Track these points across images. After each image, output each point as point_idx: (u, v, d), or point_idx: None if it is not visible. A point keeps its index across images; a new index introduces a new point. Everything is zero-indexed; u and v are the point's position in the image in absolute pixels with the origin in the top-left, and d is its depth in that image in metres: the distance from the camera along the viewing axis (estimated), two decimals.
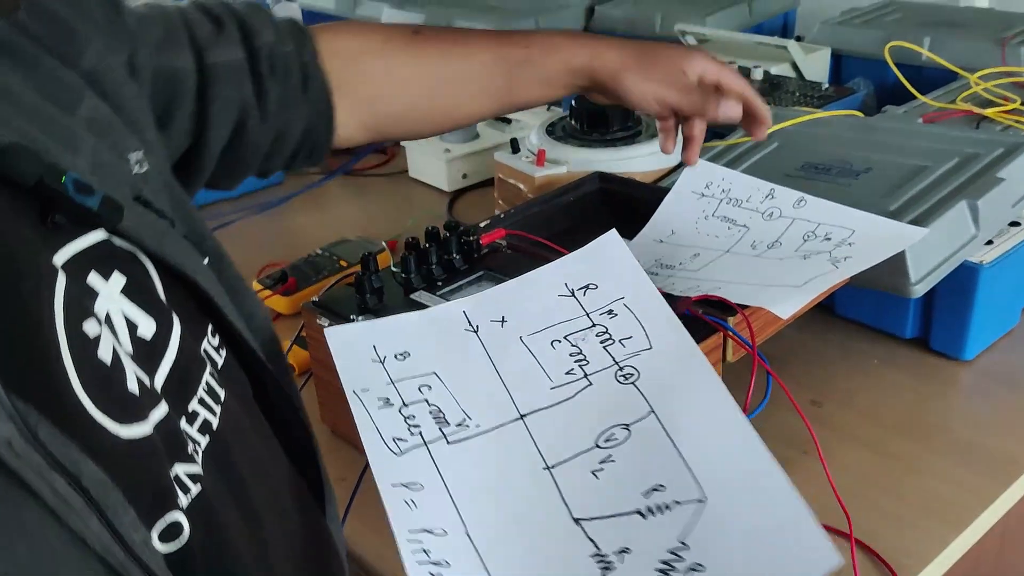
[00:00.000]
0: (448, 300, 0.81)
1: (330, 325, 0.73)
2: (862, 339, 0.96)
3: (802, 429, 0.74)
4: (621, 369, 0.63)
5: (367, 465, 0.57)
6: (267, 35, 0.68)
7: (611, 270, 0.68)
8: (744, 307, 0.75)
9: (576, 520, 0.55)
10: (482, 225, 0.94)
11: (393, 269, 0.85)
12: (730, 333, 0.74)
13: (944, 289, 0.88)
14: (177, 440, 0.44)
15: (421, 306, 0.80)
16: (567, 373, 0.63)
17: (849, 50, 1.56)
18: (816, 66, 1.53)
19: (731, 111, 0.79)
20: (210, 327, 0.52)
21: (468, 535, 0.54)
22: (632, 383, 0.62)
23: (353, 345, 0.65)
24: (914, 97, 1.31)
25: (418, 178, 1.45)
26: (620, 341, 0.64)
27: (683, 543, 0.51)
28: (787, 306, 0.75)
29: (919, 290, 0.84)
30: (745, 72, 1.45)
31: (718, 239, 0.90)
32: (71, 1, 0.54)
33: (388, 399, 0.62)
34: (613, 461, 0.57)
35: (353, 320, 0.77)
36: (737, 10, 1.76)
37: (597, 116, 1.14)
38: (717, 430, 0.57)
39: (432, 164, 1.40)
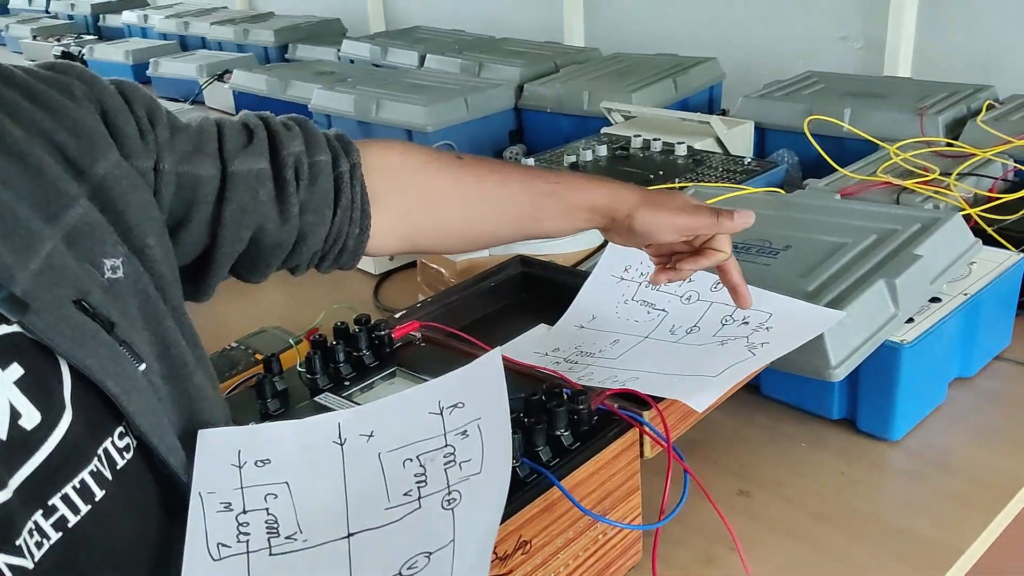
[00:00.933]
0: (354, 401, 0.77)
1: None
2: (789, 421, 0.94)
3: (730, 522, 0.71)
4: (449, 492, 0.62)
5: None
6: (295, 146, 0.71)
7: (481, 390, 0.67)
8: (659, 400, 0.72)
9: None
10: (398, 316, 0.91)
11: (299, 369, 0.82)
12: (645, 428, 0.71)
13: (868, 370, 0.87)
14: (5, 529, 0.47)
15: (326, 409, 0.76)
16: (405, 494, 0.63)
17: (772, 123, 1.58)
18: (739, 140, 1.54)
19: (747, 218, 0.77)
20: (120, 429, 0.56)
21: None
22: (451, 509, 0.61)
23: (220, 448, 0.64)
24: (832, 170, 1.32)
25: None
26: (460, 463, 0.63)
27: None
28: (702, 398, 0.73)
29: (839, 373, 0.82)
30: (669, 149, 1.46)
31: (638, 324, 0.89)
32: (114, 110, 0.62)
33: (230, 504, 0.61)
34: None
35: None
36: (662, 86, 1.77)
37: None
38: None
39: None
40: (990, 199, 1.20)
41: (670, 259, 0.80)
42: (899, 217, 0.98)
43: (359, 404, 0.77)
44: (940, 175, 1.25)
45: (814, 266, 0.93)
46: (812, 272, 0.92)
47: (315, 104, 1.90)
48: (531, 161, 1.43)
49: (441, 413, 0.66)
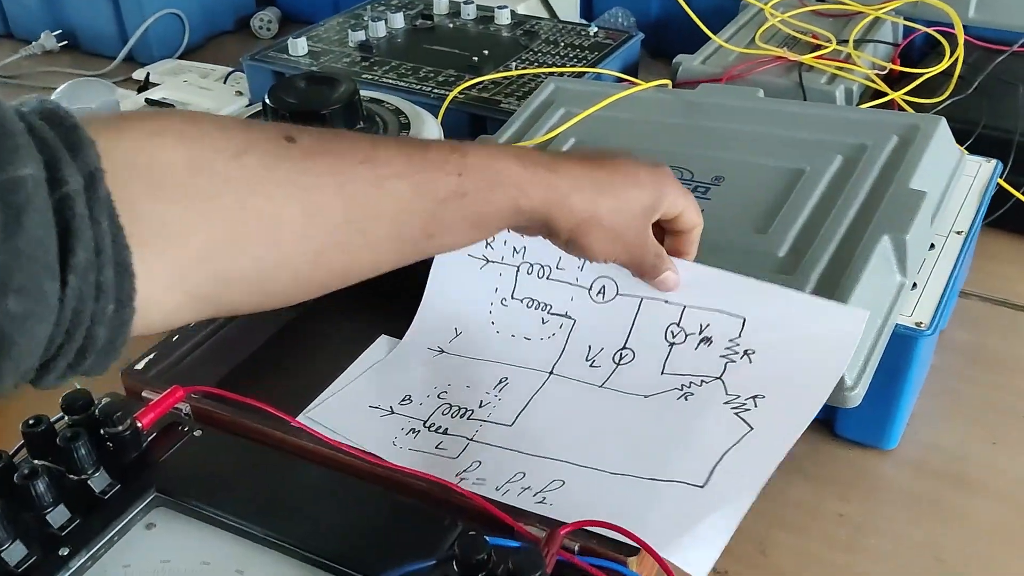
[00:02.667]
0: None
1: None
2: None
3: None
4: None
5: None
6: None
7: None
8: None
9: None
10: (139, 367, 0.54)
11: None
12: None
13: None
14: None
15: None
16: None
17: None
18: None
19: (670, 283, 0.53)
20: None
21: None
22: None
23: None
24: (694, 36, 1.02)
25: None
26: None
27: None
28: (700, 553, 0.43)
29: (858, 396, 0.55)
30: (487, 15, 1.10)
31: (530, 346, 0.57)
32: None
33: None
34: None
35: None
36: None
37: (307, 121, 0.74)
38: None
39: None
40: (905, 76, 0.95)
41: None
42: (864, 125, 0.70)
43: None
44: (839, 44, 0.99)
45: (771, 212, 0.64)
46: (772, 223, 0.63)
47: None
48: (302, 44, 1.03)
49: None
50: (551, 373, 0.56)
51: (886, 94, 0.91)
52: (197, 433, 0.49)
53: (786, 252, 0.61)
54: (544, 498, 0.47)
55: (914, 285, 0.62)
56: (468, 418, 0.54)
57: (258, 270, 0.39)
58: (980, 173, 0.75)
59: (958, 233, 0.68)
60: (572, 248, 0.48)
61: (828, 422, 0.66)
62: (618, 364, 0.54)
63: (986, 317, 0.78)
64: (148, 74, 1.17)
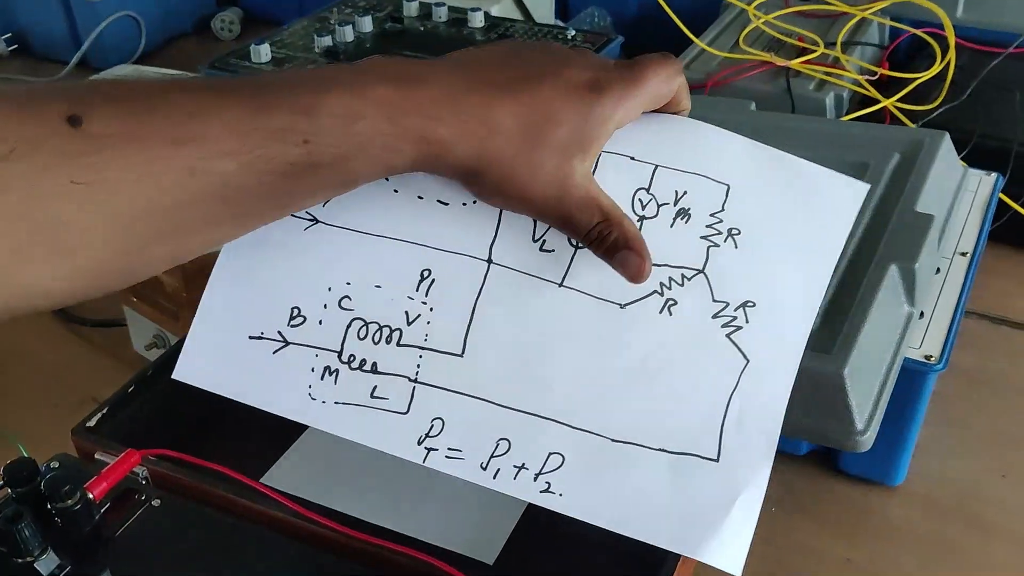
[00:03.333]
0: None
1: None
2: None
3: None
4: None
5: None
6: None
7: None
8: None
9: None
10: (91, 424, 0.49)
11: None
12: None
13: None
14: None
15: None
16: None
17: None
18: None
19: (632, 269, 0.40)
20: None
21: None
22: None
23: None
24: (673, 37, 0.98)
25: None
26: None
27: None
28: (734, 549, 0.40)
29: (869, 440, 0.52)
30: (460, 17, 1.05)
31: (449, 213, 0.42)
32: None
33: None
34: None
35: None
36: None
37: None
38: None
39: None
40: (894, 81, 0.92)
41: None
42: (865, 142, 0.66)
43: None
44: (826, 47, 0.95)
45: None
46: None
47: None
48: (264, 51, 0.98)
49: None
50: (489, 261, 0.42)
51: (876, 100, 0.88)
52: (155, 503, 0.44)
53: None
54: (548, 484, 0.39)
55: (921, 314, 0.59)
56: (398, 343, 0.41)
57: (58, 278, 0.33)
58: (980, 188, 0.72)
59: (963, 255, 0.65)
60: (475, 195, 0.41)
61: (830, 457, 0.63)
62: (576, 246, 0.42)
63: (986, 337, 0.75)
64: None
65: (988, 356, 0.73)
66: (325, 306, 0.42)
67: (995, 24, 1.00)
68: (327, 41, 1.00)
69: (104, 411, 0.50)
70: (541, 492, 0.40)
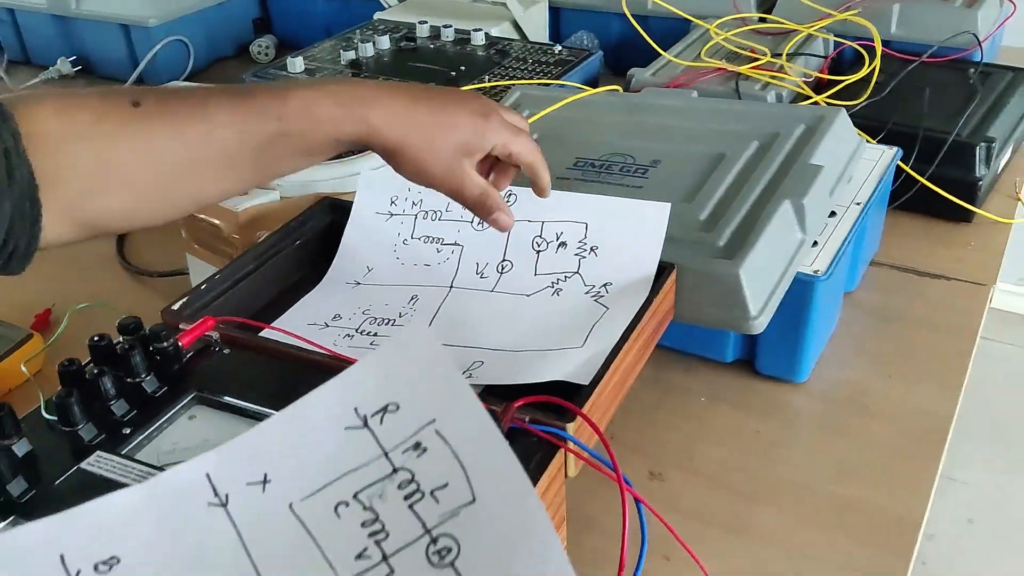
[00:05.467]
0: (138, 461, 0.52)
1: None
2: (677, 369, 0.79)
3: (661, 528, 0.56)
4: (435, 542, 0.44)
5: None
6: None
7: (417, 380, 0.48)
8: (577, 398, 0.54)
9: None
10: (176, 307, 0.66)
11: (46, 416, 0.55)
12: (577, 448, 0.53)
13: None
14: None
15: (107, 482, 0.51)
16: (358, 557, 0.44)
17: (567, 1, 1.39)
18: (535, 21, 1.34)
19: (501, 223, 0.64)
20: None
21: None
22: (450, 563, 0.43)
23: (26, 560, 0.43)
24: (648, 54, 1.16)
25: None
26: (431, 493, 0.45)
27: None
28: (585, 371, 0.59)
29: (761, 324, 0.68)
30: (464, 37, 1.23)
31: (430, 270, 0.72)
32: None
33: None
34: None
35: None
36: None
37: None
38: None
39: None
40: (832, 82, 1.09)
41: None
42: (776, 117, 0.83)
43: (154, 463, 0.52)
44: (772, 56, 1.13)
45: (696, 186, 0.77)
46: (697, 194, 0.76)
47: None
48: (299, 63, 1.16)
49: (366, 424, 0.47)
50: (451, 287, 0.72)
51: (811, 98, 1.05)
52: (226, 352, 0.61)
53: (706, 216, 0.73)
54: (471, 375, 0.61)
55: (815, 243, 0.75)
56: (392, 325, 0.69)
57: (122, 205, 0.55)
58: (883, 158, 0.88)
59: (857, 204, 0.81)
60: (394, 169, 0.60)
61: (749, 361, 0.78)
62: (501, 273, 0.71)
63: (894, 282, 0.91)
64: None
65: (893, 296, 0.88)
66: (354, 314, 0.70)
67: (919, 38, 1.17)
68: (351, 55, 1.18)
69: (185, 299, 0.66)
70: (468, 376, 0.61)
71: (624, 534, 0.49)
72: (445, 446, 0.46)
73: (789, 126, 0.81)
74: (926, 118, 0.98)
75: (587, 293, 0.67)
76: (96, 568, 0.44)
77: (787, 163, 0.77)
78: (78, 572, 0.43)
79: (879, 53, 1.10)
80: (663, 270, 0.67)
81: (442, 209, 0.74)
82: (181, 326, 0.63)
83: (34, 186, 0.51)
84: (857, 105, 1.03)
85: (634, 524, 0.51)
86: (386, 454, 0.47)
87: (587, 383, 0.56)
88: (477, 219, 0.70)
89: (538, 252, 0.70)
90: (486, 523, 0.44)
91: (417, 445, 0.46)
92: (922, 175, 0.96)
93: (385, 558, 0.44)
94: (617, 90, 0.97)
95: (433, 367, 0.48)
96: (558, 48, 1.20)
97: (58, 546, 0.44)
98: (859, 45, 1.15)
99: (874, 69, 1.08)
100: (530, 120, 0.88)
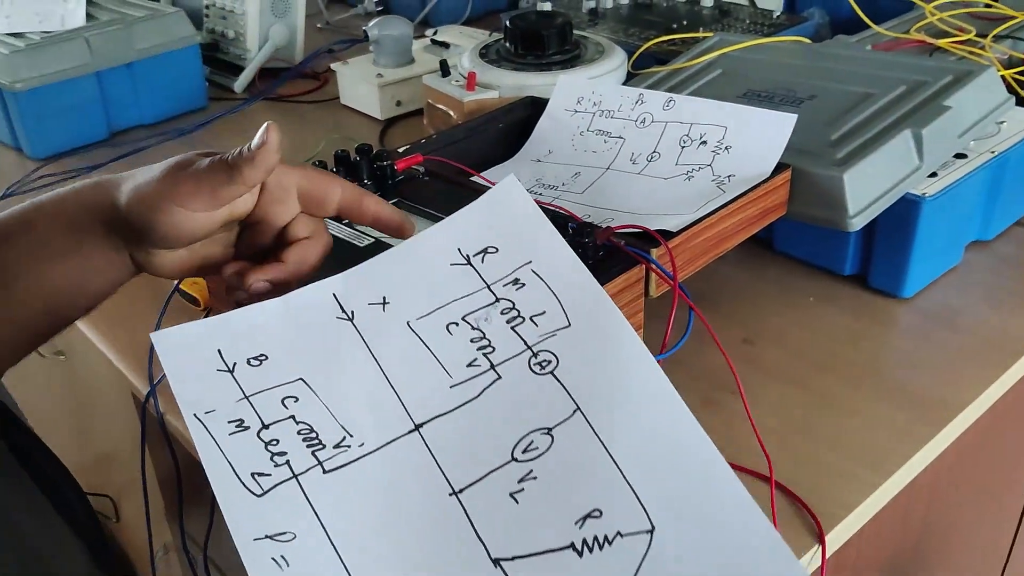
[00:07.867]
0: (355, 229, 0.75)
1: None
2: (800, 275, 0.91)
3: (730, 369, 0.70)
4: (535, 355, 0.52)
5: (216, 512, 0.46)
6: None
7: (513, 227, 0.56)
8: (668, 236, 0.70)
9: (495, 561, 0.45)
10: (400, 150, 0.88)
11: None
12: (652, 266, 0.69)
13: (884, 224, 0.84)
14: None
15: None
16: (469, 365, 0.52)
17: None
18: None
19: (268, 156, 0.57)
20: None
21: None
22: (550, 372, 0.51)
23: (191, 352, 0.51)
24: (868, 28, 1.25)
25: (350, 105, 1.37)
26: (531, 319, 0.53)
27: None
28: (678, 220, 0.74)
29: (857, 223, 0.80)
30: (695, 2, 1.39)
31: (596, 155, 0.89)
32: None
33: (242, 420, 0.49)
34: (535, 478, 0.47)
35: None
36: None
37: (532, 38, 1.07)
38: (657, 431, 0.48)
39: (364, 90, 1.33)
40: None
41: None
42: (930, 69, 0.93)
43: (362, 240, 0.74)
44: (976, 36, 1.19)
45: (839, 115, 0.89)
46: (836, 121, 0.88)
47: None
48: (546, 6, 1.37)
49: (469, 262, 0.55)
50: (608, 168, 0.87)
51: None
52: (426, 178, 0.83)
53: (836, 136, 0.86)
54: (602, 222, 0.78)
55: (934, 174, 0.85)
56: (553, 189, 0.86)
57: None
58: None
59: (991, 152, 0.89)
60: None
61: (863, 277, 0.89)
62: (649, 161, 0.85)
63: None
64: (436, 31, 1.56)
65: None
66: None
67: None
68: (591, 4, 1.37)
69: (407, 146, 0.89)
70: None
71: (670, 320, 0.66)
72: (541, 282, 0.53)
73: (938, 76, 0.91)
74: None
75: (712, 180, 0.82)
76: (248, 363, 0.51)
77: (922, 104, 0.87)
78: (234, 364, 0.50)
79: None
80: (779, 169, 0.81)
81: (615, 108, 0.91)
82: (400, 159, 0.86)
83: None
84: None
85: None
86: (488, 286, 0.54)
87: (675, 230, 0.72)
88: (640, 118, 0.88)
89: (683, 147, 0.85)
90: (580, 343, 0.51)
91: (516, 280, 0.54)
92: None
93: (493, 366, 0.51)
94: (804, 41, 1.09)
95: (527, 216, 0.56)
96: (776, 14, 1.33)
97: (215, 342, 0.51)
98: None
99: None
100: (713, 54, 1.04)
